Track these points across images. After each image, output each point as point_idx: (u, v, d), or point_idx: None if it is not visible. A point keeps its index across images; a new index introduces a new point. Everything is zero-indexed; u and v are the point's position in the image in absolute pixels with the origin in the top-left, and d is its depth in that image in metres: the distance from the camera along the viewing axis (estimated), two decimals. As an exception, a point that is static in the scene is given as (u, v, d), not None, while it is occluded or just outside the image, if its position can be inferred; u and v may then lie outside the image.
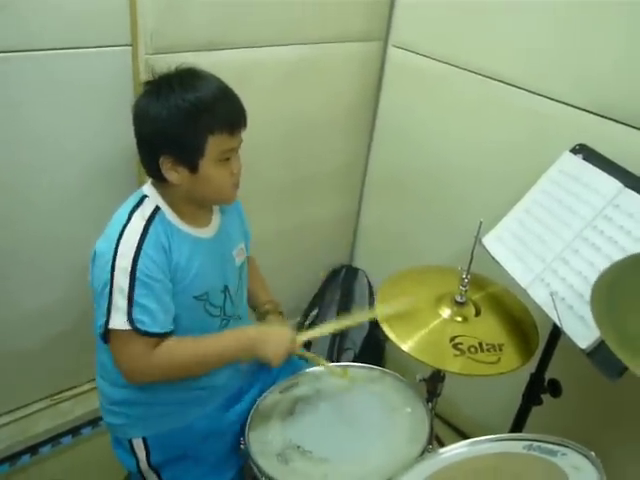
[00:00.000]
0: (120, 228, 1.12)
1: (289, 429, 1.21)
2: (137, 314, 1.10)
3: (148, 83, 1.14)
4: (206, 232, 1.24)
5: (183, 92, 1.09)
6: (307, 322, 2.15)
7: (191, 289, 1.20)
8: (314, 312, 2.16)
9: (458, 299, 1.32)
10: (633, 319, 0.85)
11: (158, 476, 1.26)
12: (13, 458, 1.66)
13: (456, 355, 1.21)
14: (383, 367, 1.40)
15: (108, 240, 1.12)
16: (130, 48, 1.46)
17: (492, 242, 1.40)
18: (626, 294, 0.91)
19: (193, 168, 1.13)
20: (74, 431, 1.74)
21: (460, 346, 1.23)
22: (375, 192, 2.11)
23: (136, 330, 1.10)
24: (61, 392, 1.74)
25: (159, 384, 1.22)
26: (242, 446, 1.18)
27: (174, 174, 1.13)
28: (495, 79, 1.59)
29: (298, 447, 1.16)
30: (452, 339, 1.24)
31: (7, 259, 1.48)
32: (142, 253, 1.10)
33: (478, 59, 1.63)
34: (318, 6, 1.71)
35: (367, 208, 2.16)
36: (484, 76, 1.62)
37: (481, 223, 1.25)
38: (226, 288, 1.28)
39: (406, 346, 1.22)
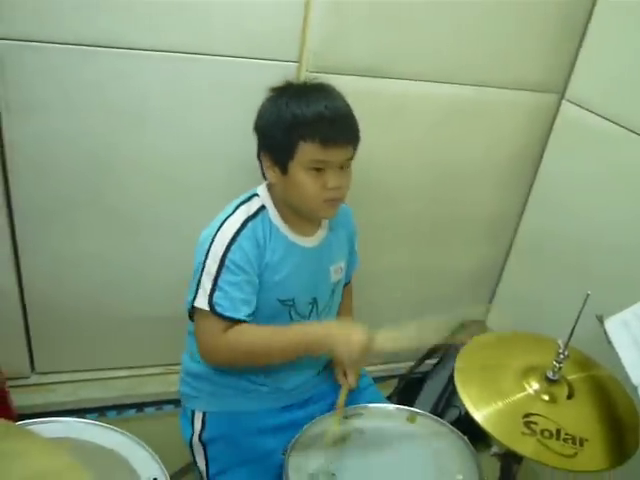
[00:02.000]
0: (224, 218, 1.21)
1: (333, 455, 1.18)
2: (217, 298, 1.17)
3: (274, 88, 1.22)
4: (307, 241, 1.28)
5: (292, 102, 1.16)
6: (421, 369, 2.07)
7: (277, 291, 1.24)
8: (433, 361, 2.07)
9: (549, 375, 1.17)
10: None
11: (204, 450, 1.31)
12: (121, 408, 1.85)
13: (525, 434, 1.08)
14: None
15: (211, 227, 1.21)
16: (297, 64, 1.57)
17: (615, 324, 1.22)
18: None
19: (284, 169, 1.18)
20: (176, 402, 1.88)
21: (533, 425, 1.09)
22: (522, 250, 1.96)
23: (213, 311, 1.17)
24: (174, 364, 1.89)
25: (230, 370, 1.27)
26: (283, 454, 1.18)
27: (271, 172, 1.21)
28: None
29: (332, 475, 1.13)
30: (526, 415, 1.11)
31: (151, 230, 1.67)
32: (236, 243, 1.17)
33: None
34: (496, 49, 1.66)
35: (511, 265, 2.02)
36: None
37: (588, 296, 1.11)
38: (315, 300, 1.30)
39: (479, 414, 1.11)
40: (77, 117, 1.48)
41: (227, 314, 1.17)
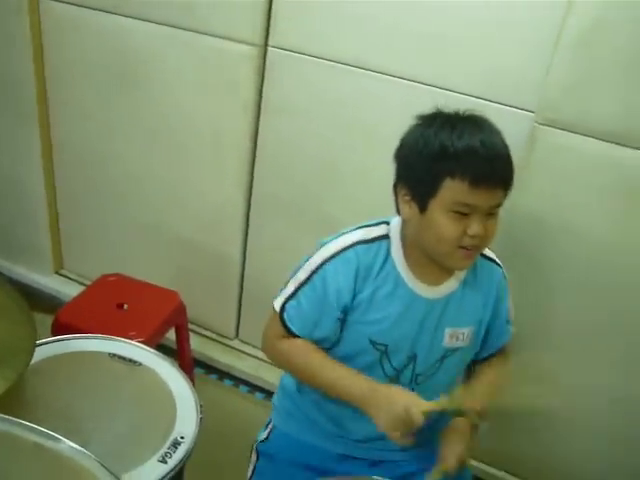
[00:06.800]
0: (341, 233, 1.15)
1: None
2: (290, 306, 1.14)
3: (422, 116, 1.10)
4: (426, 290, 1.12)
5: (441, 131, 1.04)
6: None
7: (371, 330, 1.13)
8: None
9: None
10: None
11: (256, 459, 1.28)
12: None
13: None
14: None
15: (328, 239, 1.16)
16: (528, 114, 1.40)
17: None
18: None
19: (423, 207, 1.05)
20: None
21: None
22: None
23: (281, 316, 1.15)
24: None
25: (309, 397, 1.22)
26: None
27: (406, 207, 1.08)
28: None
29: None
30: None
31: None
32: (332, 262, 1.11)
33: None
34: None
35: None
36: None
37: None
38: (414, 356, 1.14)
39: None
40: (317, 125, 1.65)
41: (288, 324, 1.14)
